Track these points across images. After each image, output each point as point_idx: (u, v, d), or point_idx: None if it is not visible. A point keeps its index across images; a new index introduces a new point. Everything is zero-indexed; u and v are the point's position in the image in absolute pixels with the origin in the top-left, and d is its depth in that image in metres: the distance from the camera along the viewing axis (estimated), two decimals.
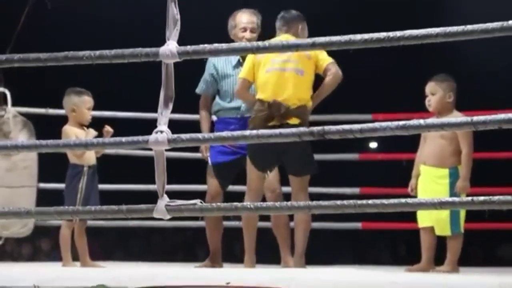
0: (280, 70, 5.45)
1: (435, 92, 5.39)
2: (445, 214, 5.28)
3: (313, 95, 5.51)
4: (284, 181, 5.69)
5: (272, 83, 5.45)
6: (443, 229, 5.33)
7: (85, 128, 5.76)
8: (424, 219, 5.44)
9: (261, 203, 4.32)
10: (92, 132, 5.71)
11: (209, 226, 5.86)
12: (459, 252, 5.34)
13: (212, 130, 5.88)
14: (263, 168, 5.54)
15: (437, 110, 5.39)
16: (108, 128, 5.66)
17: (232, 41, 5.81)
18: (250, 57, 5.54)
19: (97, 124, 5.93)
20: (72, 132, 5.66)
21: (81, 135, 5.66)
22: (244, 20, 5.85)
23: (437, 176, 5.38)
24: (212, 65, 5.89)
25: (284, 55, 5.43)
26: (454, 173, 5.36)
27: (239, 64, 5.83)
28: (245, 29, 5.85)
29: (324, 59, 5.49)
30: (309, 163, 5.55)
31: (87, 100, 5.76)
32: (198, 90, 5.98)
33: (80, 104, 5.74)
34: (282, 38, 5.49)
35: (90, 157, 5.70)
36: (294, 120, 5.39)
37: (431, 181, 5.40)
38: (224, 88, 5.87)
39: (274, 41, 5.10)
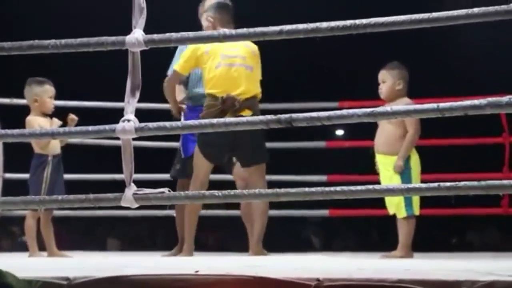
0: (230, 66, 5.50)
1: (386, 80, 5.48)
2: (398, 197, 5.33)
3: None
4: None
5: (223, 79, 5.50)
6: (399, 211, 5.39)
7: (49, 117, 5.74)
8: (389, 206, 5.49)
9: (229, 191, 4.33)
10: (57, 121, 5.69)
11: (181, 215, 5.84)
12: (411, 235, 5.38)
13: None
14: (214, 160, 5.56)
15: (388, 97, 5.45)
16: (72, 116, 5.64)
17: (201, 27, 5.81)
18: (192, 50, 5.54)
19: (62, 114, 5.91)
20: (36, 122, 5.64)
21: (45, 125, 5.63)
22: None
23: (387, 163, 5.43)
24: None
25: (232, 51, 5.50)
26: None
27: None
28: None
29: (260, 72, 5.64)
30: (261, 152, 5.57)
31: (49, 89, 5.74)
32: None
33: (42, 93, 5.72)
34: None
35: (54, 147, 5.68)
36: (246, 112, 5.46)
37: (383, 168, 5.46)
38: (197, 76, 5.88)
39: (241, 30, 5.09)
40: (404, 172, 5.35)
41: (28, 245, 5.69)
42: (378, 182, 5.46)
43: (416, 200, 5.40)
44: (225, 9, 5.64)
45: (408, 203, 5.36)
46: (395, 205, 5.39)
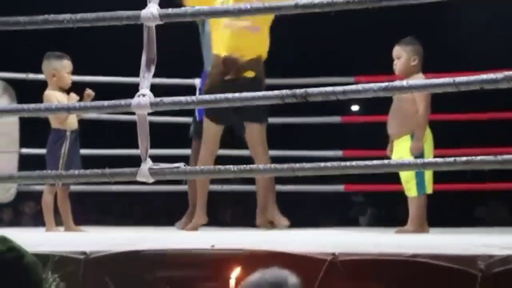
0: (235, 25, 5.47)
1: (400, 56, 5.45)
2: (410, 175, 5.31)
3: None
4: None
5: (228, 38, 5.48)
6: (410, 190, 5.37)
7: (66, 92, 5.74)
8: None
9: (245, 165, 4.31)
10: (74, 96, 5.69)
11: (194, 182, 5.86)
12: (422, 211, 5.37)
13: None
14: (220, 121, 5.57)
15: (403, 73, 5.43)
16: (89, 91, 5.64)
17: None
18: None
19: (78, 89, 5.90)
20: (54, 97, 5.64)
21: (63, 99, 5.64)
22: None
23: (399, 143, 5.41)
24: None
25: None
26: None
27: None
28: None
29: None
30: (261, 112, 5.56)
31: (67, 64, 5.73)
32: None
33: (60, 68, 5.71)
34: None
35: (72, 122, 5.69)
36: (249, 73, 5.46)
37: (395, 150, 5.44)
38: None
39: (257, 4, 5.06)
40: (416, 152, 5.32)
41: (45, 220, 5.71)
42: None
43: (428, 178, 5.37)
44: None
45: (420, 182, 5.34)
46: (408, 182, 5.37)
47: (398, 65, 5.45)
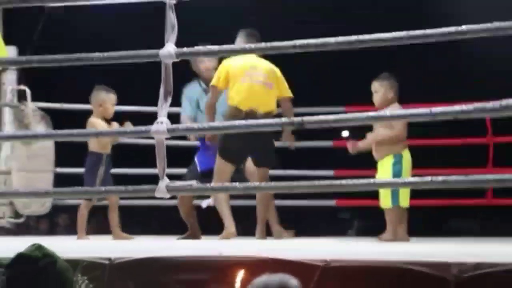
0: (253, 83, 5.49)
1: (378, 90, 5.45)
2: (386, 190, 5.30)
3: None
4: None
5: (247, 93, 5.46)
6: (385, 202, 5.36)
7: (108, 122, 5.75)
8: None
9: (249, 183, 4.32)
10: (116, 125, 5.70)
11: (183, 207, 5.87)
12: (396, 221, 5.34)
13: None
14: (235, 162, 5.55)
15: (381, 105, 5.43)
16: (128, 122, 5.63)
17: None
18: (223, 66, 5.52)
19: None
20: (98, 124, 5.65)
21: (104, 127, 5.64)
22: (206, 62, 5.90)
23: (382, 165, 5.40)
24: (190, 93, 5.99)
25: (255, 69, 5.49)
26: (397, 156, 5.37)
27: (204, 92, 5.95)
28: (202, 60, 5.89)
29: (286, 89, 5.58)
30: (271, 157, 5.58)
31: (113, 97, 5.78)
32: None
33: (107, 100, 5.75)
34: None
35: (108, 146, 5.71)
36: None
37: (379, 170, 5.43)
38: (198, 114, 5.95)
39: (260, 44, 5.06)
40: (396, 172, 5.31)
41: (78, 230, 5.71)
42: None
43: (404, 193, 5.35)
44: (254, 36, 5.61)
45: (394, 195, 5.32)
46: (382, 198, 5.36)
47: (376, 99, 5.46)
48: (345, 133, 7.37)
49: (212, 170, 5.64)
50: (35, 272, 2.39)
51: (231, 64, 5.50)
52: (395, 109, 5.22)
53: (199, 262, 3.66)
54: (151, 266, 3.67)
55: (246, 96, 5.47)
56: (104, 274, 3.62)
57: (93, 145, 5.68)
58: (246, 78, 5.49)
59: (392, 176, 5.24)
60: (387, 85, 5.43)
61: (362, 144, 5.45)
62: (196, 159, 5.97)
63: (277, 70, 5.58)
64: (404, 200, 5.34)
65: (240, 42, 5.61)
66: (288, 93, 5.62)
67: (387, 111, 4.90)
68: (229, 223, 5.49)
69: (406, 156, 5.40)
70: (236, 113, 5.43)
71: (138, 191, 4.35)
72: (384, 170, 5.33)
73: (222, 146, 5.52)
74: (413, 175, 5.28)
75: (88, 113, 6.27)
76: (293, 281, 2.17)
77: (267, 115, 5.46)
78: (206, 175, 5.71)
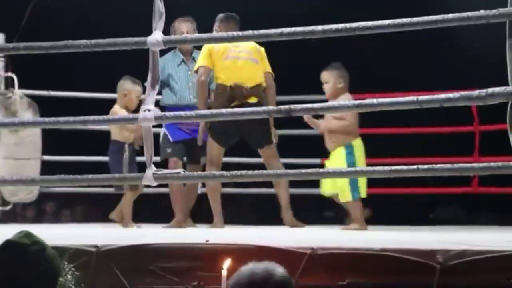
0: (236, 58, 5.48)
1: (328, 80, 5.46)
2: (345, 184, 5.30)
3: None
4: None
5: (231, 69, 5.45)
6: (345, 195, 5.36)
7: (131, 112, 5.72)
8: (327, 188, 5.46)
9: (236, 171, 4.32)
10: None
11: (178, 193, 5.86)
12: (360, 212, 5.37)
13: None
14: (224, 144, 5.55)
15: (332, 95, 5.44)
16: None
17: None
18: (207, 48, 5.49)
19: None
20: (121, 112, 5.62)
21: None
22: (183, 28, 5.83)
23: (335, 155, 5.41)
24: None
25: (238, 47, 5.47)
26: (349, 147, 5.38)
27: (182, 62, 5.91)
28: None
29: (267, 65, 5.57)
30: (267, 135, 5.54)
31: (138, 90, 5.75)
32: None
33: (132, 90, 5.73)
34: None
35: (130, 137, 5.67)
36: (253, 99, 5.42)
37: (332, 161, 5.44)
38: (172, 85, 5.90)
39: (247, 32, 5.07)
40: (350, 162, 5.31)
41: (125, 219, 5.67)
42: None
43: (362, 184, 5.35)
44: (231, 19, 5.61)
45: (354, 189, 5.32)
46: (340, 190, 5.34)
47: (327, 88, 5.47)
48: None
49: (183, 140, 5.67)
50: (25, 259, 2.39)
51: (214, 45, 5.48)
52: (346, 100, 5.22)
53: (186, 250, 3.67)
54: (138, 253, 3.68)
55: (229, 72, 5.45)
56: (91, 262, 3.62)
57: (115, 134, 5.66)
58: (230, 54, 5.48)
59: (346, 167, 5.25)
60: (337, 75, 5.45)
61: (317, 123, 5.43)
62: (165, 131, 5.89)
63: (261, 48, 5.56)
64: (363, 191, 5.36)
65: (219, 26, 5.59)
66: (271, 70, 5.60)
67: (379, 99, 4.89)
68: (218, 219, 5.47)
69: (357, 144, 5.40)
70: (222, 90, 5.43)
71: (125, 178, 4.35)
72: (338, 161, 5.34)
73: (211, 127, 5.51)
74: (403, 164, 5.30)
75: (76, 100, 6.27)
76: (279, 269, 2.16)
77: (255, 88, 5.44)
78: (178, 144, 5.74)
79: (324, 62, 5.60)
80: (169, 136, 5.81)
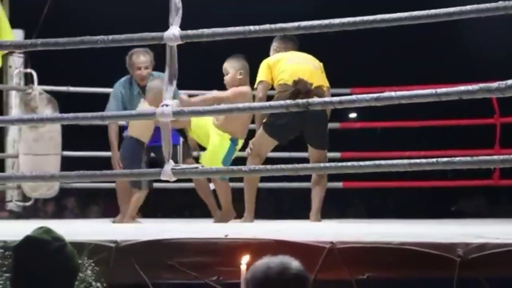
0: (298, 63, 5.44)
1: (228, 72, 5.50)
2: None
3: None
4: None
5: (294, 69, 5.37)
6: None
7: None
8: None
9: (255, 166, 4.32)
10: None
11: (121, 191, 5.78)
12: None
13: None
14: (281, 139, 5.45)
15: (231, 86, 5.47)
16: None
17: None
18: (265, 63, 5.48)
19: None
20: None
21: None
22: (139, 61, 5.84)
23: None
24: (119, 92, 5.91)
25: (299, 57, 5.47)
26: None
27: (139, 94, 5.84)
28: (139, 68, 5.84)
29: (326, 79, 5.51)
30: (325, 140, 5.51)
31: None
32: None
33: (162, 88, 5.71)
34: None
35: (148, 136, 5.64)
36: (316, 98, 5.27)
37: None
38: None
39: (264, 26, 5.03)
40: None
41: (129, 213, 5.67)
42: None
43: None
44: (290, 40, 5.57)
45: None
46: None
47: (227, 79, 5.51)
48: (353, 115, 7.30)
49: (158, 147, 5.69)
50: (46, 255, 2.39)
51: (272, 58, 5.49)
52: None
53: (205, 245, 3.67)
54: (156, 248, 3.68)
55: (293, 71, 5.37)
56: (110, 257, 3.63)
57: (136, 132, 5.58)
58: (292, 60, 5.46)
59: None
60: (236, 66, 5.49)
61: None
62: None
63: (321, 63, 5.55)
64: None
65: (278, 46, 5.59)
66: (328, 85, 5.54)
67: (397, 92, 4.86)
68: (249, 214, 5.42)
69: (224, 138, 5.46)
70: (285, 88, 5.31)
71: (143, 174, 4.35)
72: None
73: (267, 122, 5.38)
74: (420, 157, 5.27)
75: (95, 96, 6.27)
76: (295, 262, 2.15)
77: (318, 88, 5.34)
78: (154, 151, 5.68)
79: (342, 55, 5.58)
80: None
